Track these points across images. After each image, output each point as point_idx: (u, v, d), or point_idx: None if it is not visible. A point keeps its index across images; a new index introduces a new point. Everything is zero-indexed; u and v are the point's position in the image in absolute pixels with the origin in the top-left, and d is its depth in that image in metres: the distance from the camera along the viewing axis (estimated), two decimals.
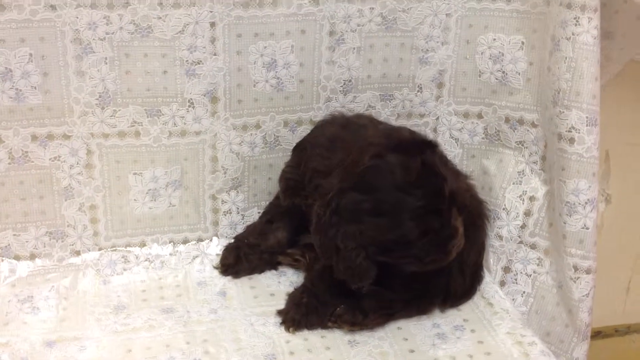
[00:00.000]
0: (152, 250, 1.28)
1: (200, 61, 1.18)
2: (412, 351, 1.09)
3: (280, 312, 1.13)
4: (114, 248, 1.26)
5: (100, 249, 1.26)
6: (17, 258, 1.22)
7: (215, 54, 1.18)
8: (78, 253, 1.25)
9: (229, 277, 1.24)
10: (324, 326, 1.11)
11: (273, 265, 1.24)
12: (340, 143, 1.11)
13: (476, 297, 1.21)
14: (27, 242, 1.22)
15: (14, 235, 1.21)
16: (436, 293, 1.16)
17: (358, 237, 1.02)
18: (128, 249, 1.27)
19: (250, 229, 1.26)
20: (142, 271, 1.25)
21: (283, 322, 1.11)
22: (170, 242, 1.29)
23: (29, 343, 1.08)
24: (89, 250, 1.25)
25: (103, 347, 1.08)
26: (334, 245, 1.04)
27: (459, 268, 1.16)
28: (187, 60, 1.17)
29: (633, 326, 1.79)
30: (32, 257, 1.23)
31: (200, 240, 1.30)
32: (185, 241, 1.29)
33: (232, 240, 1.27)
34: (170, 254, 1.28)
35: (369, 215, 1.01)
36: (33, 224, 1.22)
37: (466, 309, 1.19)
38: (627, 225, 1.63)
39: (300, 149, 1.22)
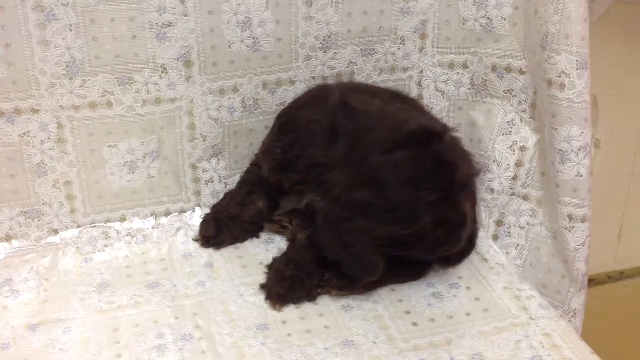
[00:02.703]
0: (133, 224, 1.23)
1: (171, 23, 1.12)
2: (407, 312, 1.06)
3: (263, 287, 1.09)
4: (93, 224, 1.21)
5: (79, 226, 1.21)
6: None
7: (185, 15, 1.12)
8: (56, 231, 1.20)
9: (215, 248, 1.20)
10: (311, 299, 1.07)
11: (255, 233, 1.21)
12: (341, 134, 1.04)
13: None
14: (1, 223, 1.17)
15: None
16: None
17: (370, 232, 0.99)
18: (108, 224, 1.22)
19: (229, 199, 1.22)
20: (124, 246, 1.21)
21: (268, 298, 1.07)
22: (151, 215, 1.24)
23: (10, 328, 1.03)
24: (67, 228, 1.20)
25: (88, 327, 1.04)
26: (343, 240, 1.00)
27: None
28: (156, 23, 1.11)
29: (626, 271, 1.78)
30: (8, 238, 1.17)
31: (182, 211, 1.25)
32: (167, 213, 1.25)
33: (209, 211, 1.23)
34: (153, 227, 1.23)
35: (381, 212, 0.97)
36: (6, 204, 1.16)
37: (460, 266, 1.16)
38: (617, 169, 1.61)
39: (290, 128, 1.13)
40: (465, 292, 1.10)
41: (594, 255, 1.72)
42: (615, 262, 1.77)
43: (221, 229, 1.18)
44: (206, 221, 1.21)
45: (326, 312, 1.06)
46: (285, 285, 1.07)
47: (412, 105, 1.19)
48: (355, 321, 1.05)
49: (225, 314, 1.06)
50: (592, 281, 1.78)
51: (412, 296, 1.09)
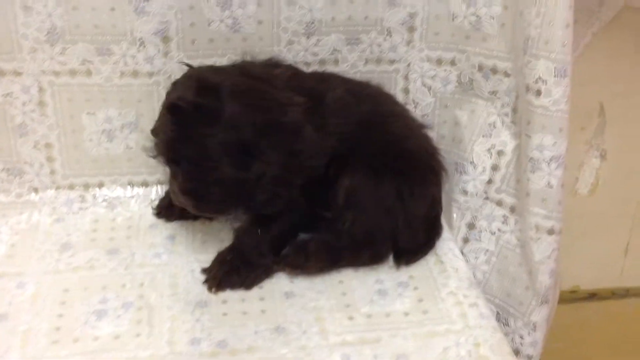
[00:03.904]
0: (109, 191, 1.27)
1: None
2: (347, 306, 1.06)
3: (204, 270, 1.11)
4: (72, 187, 1.26)
5: (57, 188, 1.25)
6: None
7: None
8: (36, 190, 1.25)
9: (182, 222, 1.22)
10: (247, 287, 1.08)
11: None
12: None
13: (429, 254, 1.17)
14: None
15: None
16: (381, 245, 1.12)
17: None
18: (86, 188, 1.26)
19: None
20: (98, 211, 1.25)
21: (205, 281, 1.09)
22: (128, 184, 1.27)
23: None
24: (47, 189, 1.25)
25: (41, 285, 1.08)
26: None
27: (406, 221, 1.11)
28: None
29: (632, 290, 1.72)
30: None
31: (159, 183, 1.28)
32: (144, 184, 1.28)
33: None
34: (129, 197, 1.27)
35: None
36: None
37: (416, 266, 1.14)
38: (624, 182, 1.55)
39: None
40: (411, 292, 1.09)
41: (598, 270, 1.68)
42: (621, 278, 1.70)
43: (173, 203, 1.21)
44: (166, 193, 1.24)
45: (268, 296, 1.07)
46: (223, 270, 1.08)
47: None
48: (293, 309, 1.05)
49: (171, 287, 1.09)
50: (595, 296, 1.73)
51: (357, 290, 1.09)
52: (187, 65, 1.08)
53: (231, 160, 0.99)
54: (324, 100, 1.09)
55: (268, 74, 1.08)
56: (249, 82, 1.03)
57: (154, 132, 1.06)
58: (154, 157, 1.06)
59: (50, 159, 1.24)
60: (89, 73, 1.18)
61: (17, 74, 1.17)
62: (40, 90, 1.19)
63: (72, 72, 1.18)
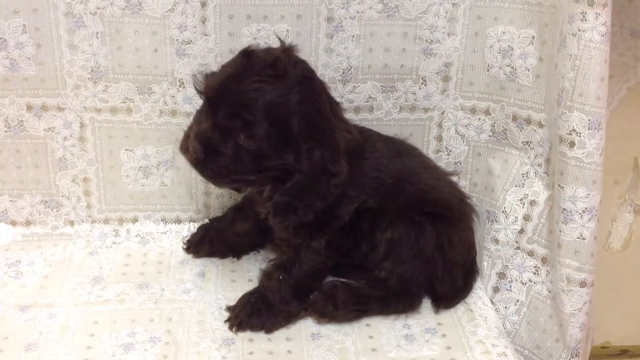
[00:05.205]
0: (143, 226, 1.29)
1: (191, 41, 1.17)
2: (373, 350, 1.05)
3: (228, 309, 1.12)
4: (107, 221, 1.28)
5: (93, 222, 1.28)
6: (13, 223, 1.27)
7: (206, 35, 1.17)
8: (72, 223, 1.28)
9: (212, 259, 1.23)
10: (267, 330, 1.08)
11: (236, 252, 1.23)
12: None
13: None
14: (23, 208, 1.26)
15: (11, 201, 1.25)
16: (415, 295, 1.12)
17: None
18: (120, 223, 1.28)
19: (224, 213, 1.26)
20: (131, 246, 1.27)
21: (227, 320, 1.09)
22: (162, 221, 1.29)
23: (4, 305, 1.11)
24: (83, 222, 1.28)
25: (71, 316, 1.10)
26: None
27: (445, 268, 1.12)
28: (177, 40, 1.17)
29: None
30: (28, 223, 1.27)
31: (192, 220, 1.30)
32: (177, 221, 1.30)
33: (208, 221, 1.27)
34: (162, 232, 1.29)
35: None
36: (28, 191, 1.25)
37: (444, 313, 1.14)
38: None
39: None
40: (439, 339, 1.08)
41: (631, 326, 1.64)
42: None
43: (203, 239, 1.22)
44: (198, 228, 1.26)
45: (294, 336, 1.08)
46: (244, 312, 1.09)
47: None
48: (319, 350, 1.05)
49: (198, 324, 1.09)
50: (627, 352, 1.69)
51: (384, 334, 1.09)
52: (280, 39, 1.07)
53: (265, 132, 0.96)
54: (363, 155, 1.10)
55: (337, 105, 1.08)
56: (321, 89, 1.03)
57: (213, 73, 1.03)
58: (197, 88, 1.03)
59: (87, 193, 1.27)
60: (129, 111, 1.22)
61: (60, 109, 1.21)
62: (82, 126, 1.22)
63: (113, 110, 1.22)
